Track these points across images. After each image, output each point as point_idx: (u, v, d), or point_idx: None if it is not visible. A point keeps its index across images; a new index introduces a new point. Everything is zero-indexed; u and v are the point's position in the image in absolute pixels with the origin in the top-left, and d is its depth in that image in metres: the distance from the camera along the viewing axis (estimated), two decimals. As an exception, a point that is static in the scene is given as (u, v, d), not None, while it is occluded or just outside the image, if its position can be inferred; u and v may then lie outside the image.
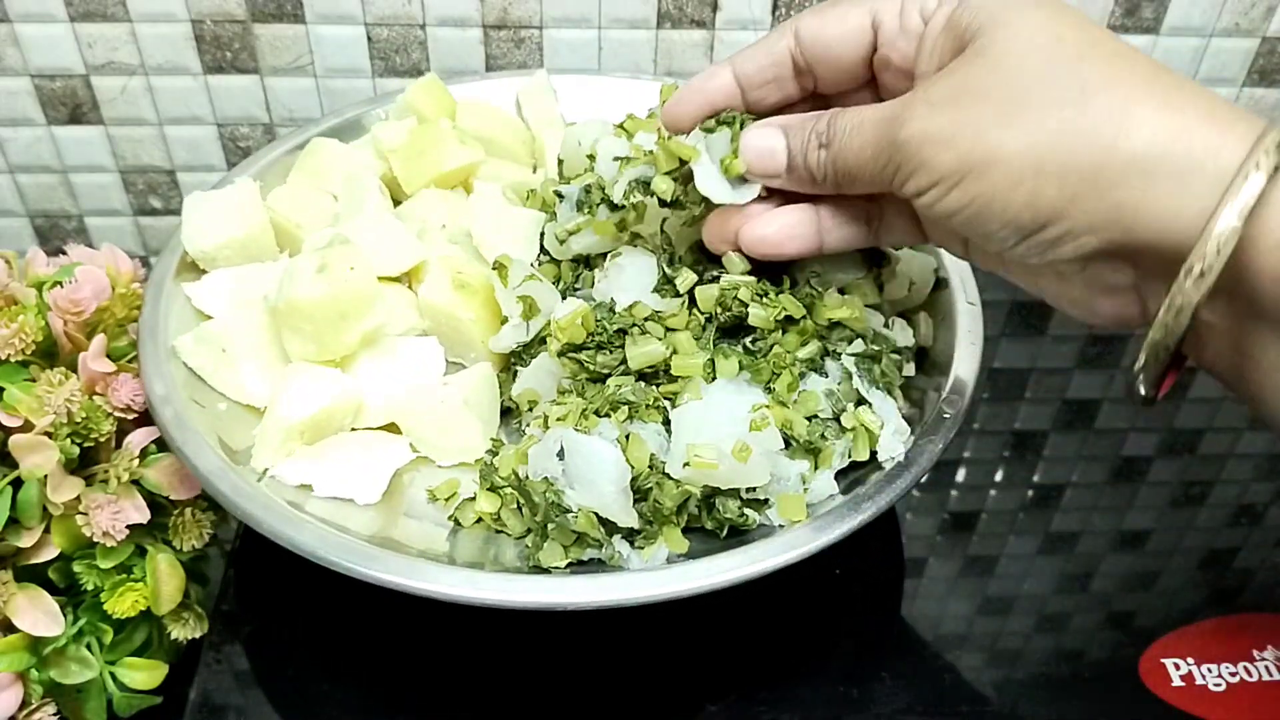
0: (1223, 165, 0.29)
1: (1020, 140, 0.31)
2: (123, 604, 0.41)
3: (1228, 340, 0.32)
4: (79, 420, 0.41)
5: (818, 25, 0.38)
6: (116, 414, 0.43)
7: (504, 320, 0.47)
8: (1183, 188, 0.29)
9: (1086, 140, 0.30)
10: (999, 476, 0.56)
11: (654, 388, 0.42)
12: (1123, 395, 0.36)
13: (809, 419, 0.41)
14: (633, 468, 0.39)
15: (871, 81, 0.40)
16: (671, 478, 0.39)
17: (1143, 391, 0.33)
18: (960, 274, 0.49)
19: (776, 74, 0.40)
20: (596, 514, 0.39)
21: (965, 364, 0.45)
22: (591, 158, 0.50)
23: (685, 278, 0.43)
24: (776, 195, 0.40)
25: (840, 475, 0.42)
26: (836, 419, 0.42)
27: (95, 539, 0.41)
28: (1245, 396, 0.33)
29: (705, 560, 0.38)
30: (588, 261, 0.48)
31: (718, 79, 0.40)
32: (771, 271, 0.42)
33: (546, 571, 0.40)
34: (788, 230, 0.39)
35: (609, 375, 0.43)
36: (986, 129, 0.31)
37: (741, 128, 0.39)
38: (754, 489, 0.40)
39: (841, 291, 0.43)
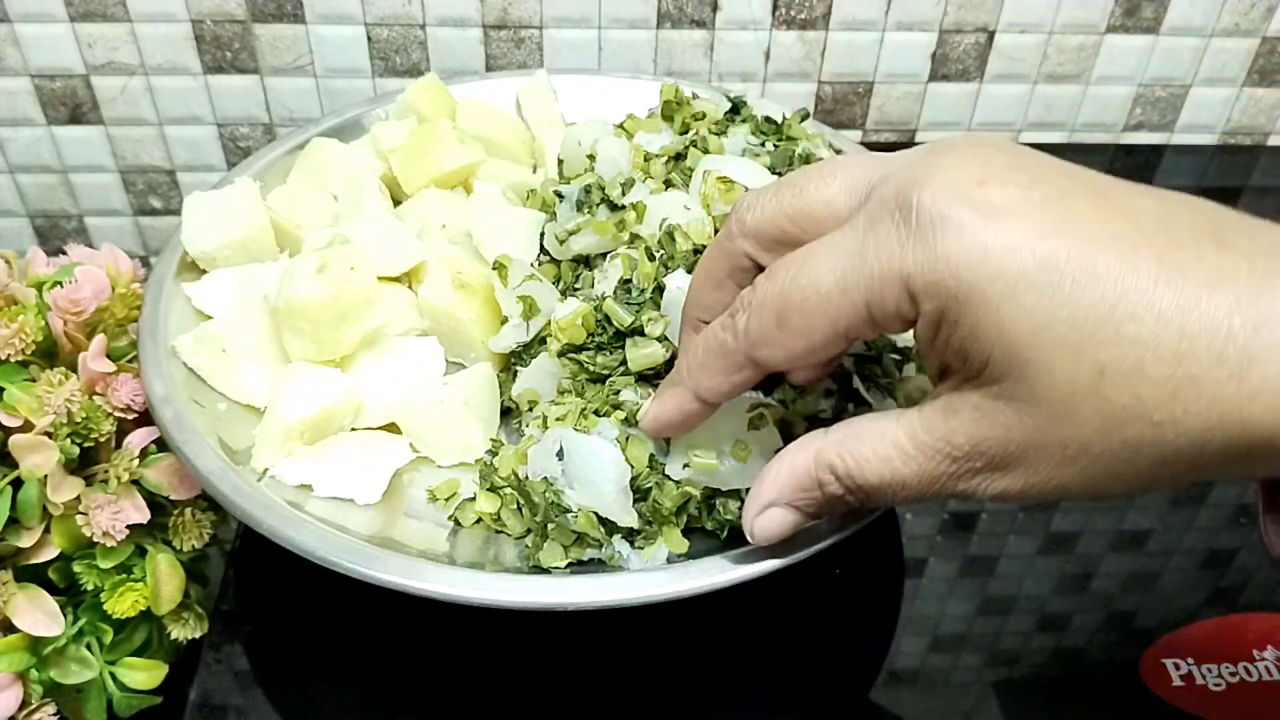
0: None
1: (1117, 484, 0.28)
2: (123, 604, 0.41)
3: None
4: (79, 420, 0.41)
5: (784, 358, 0.32)
6: (116, 414, 0.43)
7: (504, 320, 0.47)
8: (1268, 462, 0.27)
9: (1183, 463, 0.27)
10: (999, 476, 0.56)
11: (653, 389, 0.42)
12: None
13: (808, 419, 0.41)
14: (632, 468, 0.39)
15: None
16: (671, 478, 0.39)
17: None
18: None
19: (750, 386, 0.35)
20: (596, 514, 0.39)
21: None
22: (591, 158, 0.50)
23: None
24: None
25: (840, 475, 0.42)
26: (836, 419, 0.41)
27: (95, 539, 0.41)
28: None
29: (705, 560, 0.38)
30: (588, 261, 0.48)
31: (691, 412, 0.36)
32: None
33: (546, 571, 0.40)
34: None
35: (609, 376, 0.43)
36: (1073, 483, 0.29)
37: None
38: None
39: None
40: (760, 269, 0.34)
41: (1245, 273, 0.26)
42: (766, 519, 0.35)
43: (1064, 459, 0.28)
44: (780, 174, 0.46)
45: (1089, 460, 0.28)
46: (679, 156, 0.48)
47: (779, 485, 0.34)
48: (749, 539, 0.36)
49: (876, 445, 0.31)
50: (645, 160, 0.48)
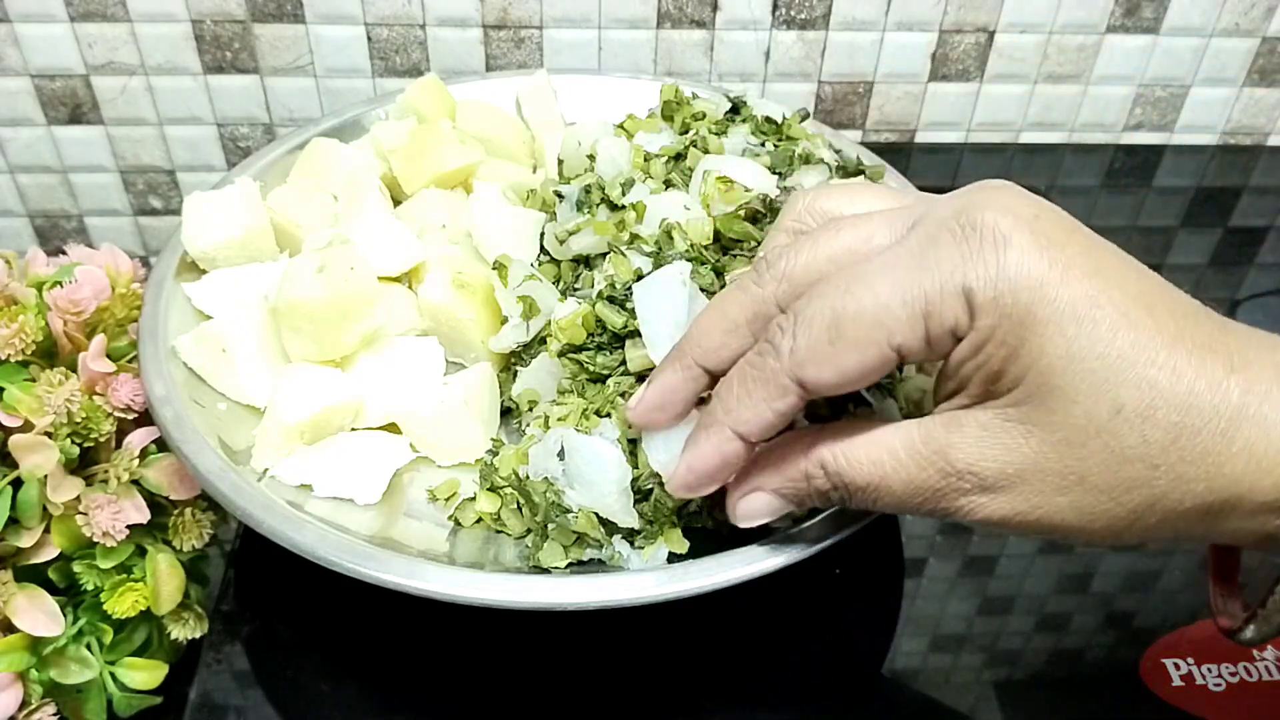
0: None
1: (1100, 520, 0.30)
2: (123, 604, 0.41)
3: None
4: (79, 420, 0.41)
5: (833, 377, 0.31)
6: (116, 414, 0.43)
7: (504, 320, 0.47)
8: (1259, 518, 0.30)
9: (1163, 509, 0.30)
10: (999, 476, 0.56)
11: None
12: (1225, 636, 0.37)
13: (809, 418, 0.41)
14: (634, 468, 0.39)
15: None
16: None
17: (1249, 636, 0.34)
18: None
19: (788, 422, 0.34)
20: (597, 514, 0.39)
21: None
22: (591, 158, 0.50)
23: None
24: None
25: (840, 475, 0.42)
26: (835, 418, 0.41)
27: (95, 539, 0.41)
28: None
29: (705, 560, 0.38)
30: (588, 261, 0.48)
31: (730, 454, 0.34)
32: None
33: (547, 572, 0.40)
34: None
35: (609, 376, 0.43)
36: (1061, 512, 0.30)
37: None
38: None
39: None
40: None
41: (1233, 342, 0.29)
42: (750, 501, 0.35)
43: (1059, 488, 0.30)
44: (780, 174, 0.46)
45: (1082, 493, 0.29)
46: (679, 157, 0.48)
47: (768, 472, 0.34)
48: (731, 517, 0.36)
49: (870, 448, 0.32)
50: (645, 160, 0.48)
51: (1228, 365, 0.29)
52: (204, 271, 0.50)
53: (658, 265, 0.42)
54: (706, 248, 0.43)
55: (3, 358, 0.41)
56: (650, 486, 0.39)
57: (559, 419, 0.42)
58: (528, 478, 0.41)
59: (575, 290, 0.47)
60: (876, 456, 0.32)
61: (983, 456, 0.30)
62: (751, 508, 0.35)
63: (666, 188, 0.47)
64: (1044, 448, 0.29)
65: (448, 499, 0.44)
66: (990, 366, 0.30)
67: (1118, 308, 0.28)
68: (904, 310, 0.29)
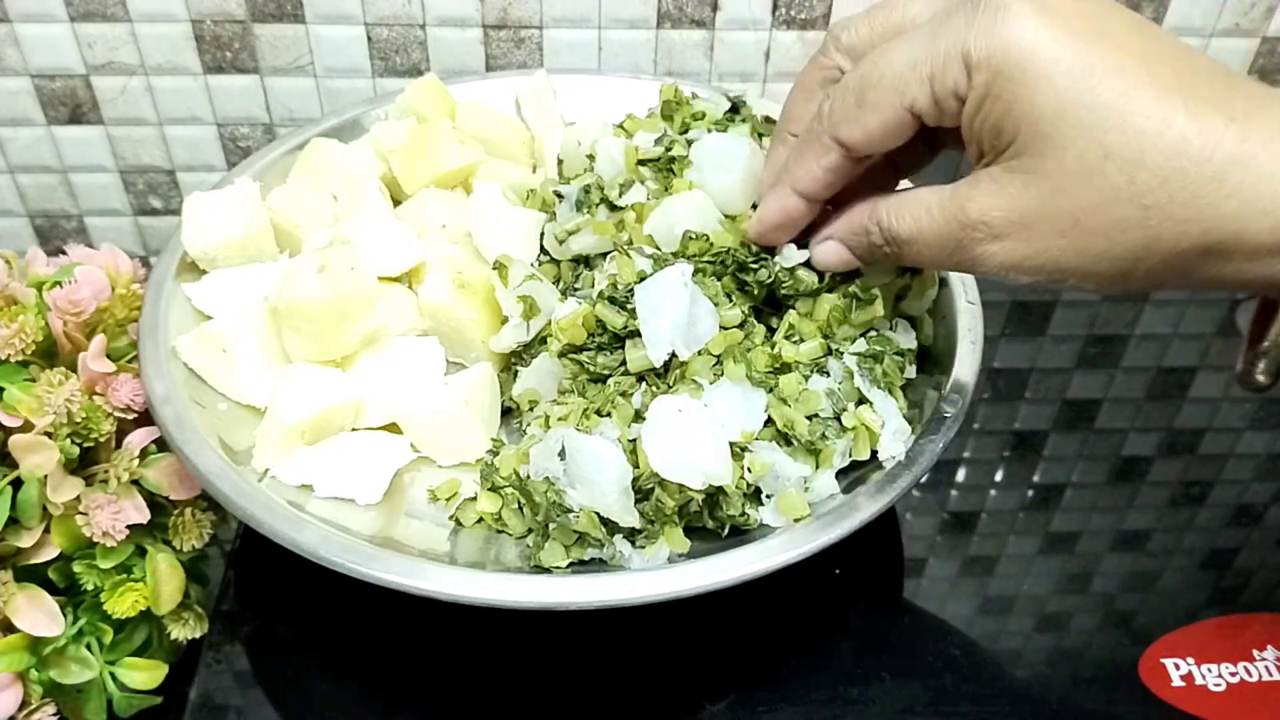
0: None
1: (1103, 263, 0.33)
2: (123, 604, 0.41)
3: None
4: (79, 420, 0.41)
5: (861, 136, 0.36)
6: (116, 414, 0.43)
7: (504, 320, 0.47)
8: (1259, 261, 0.31)
9: (1160, 251, 0.32)
10: (999, 476, 0.56)
11: (655, 389, 0.42)
12: (1238, 382, 0.39)
13: (810, 418, 0.41)
14: (634, 468, 0.39)
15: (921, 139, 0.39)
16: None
17: (1263, 381, 0.36)
18: (960, 274, 0.49)
19: (843, 178, 0.39)
20: (598, 514, 0.39)
21: (965, 364, 0.45)
22: (591, 158, 0.50)
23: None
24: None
25: (841, 474, 0.42)
26: (837, 418, 0.42)
27: (95, 539, 0.41)
28: None
29: (706, 560, 0.38)
30: (588, 261, 0.48)
31: (793, 209, 0.40)
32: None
33: (548, 571, 0.40)
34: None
35: (609, 376, 0.43)
36: (1064, 255, 0.33)
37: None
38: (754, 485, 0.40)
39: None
40: None
41: (1243, 99, 0.31)
42: (825, 248, 0.41)
43: (1058, 231, 0.33)
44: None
45: (1079, 234, 0.33)
46: (670, 159, 0.47)
47: (839, 225, 0.40)
48: (812, 260, 0.41)
49: (913, 207, 0.37)
50: (638, 165, 0.48)
51: (1228, 117, 0.30)
52: (204, 271, 0.50)
53: (659, 267, 0.42)
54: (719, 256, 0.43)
55: (3, 358, 0.41)
56: (651, 486, 0.39)
57: (559, 419, 0.42)
58: (529, 477, 0.41)
59: (575, 290, 0.47)
60: (916, 213, 0.36)
61: (992, 207, 0.34)
62: (825, 251, 0.41)
63: (666, 190, 0.47)
64: (1042, 194, 0.33)
65: (449, 499, 0.44)
66: (990, 121, 0.33)
67: (1111, 64, 0.31)
68: (913, 74, 0.34)
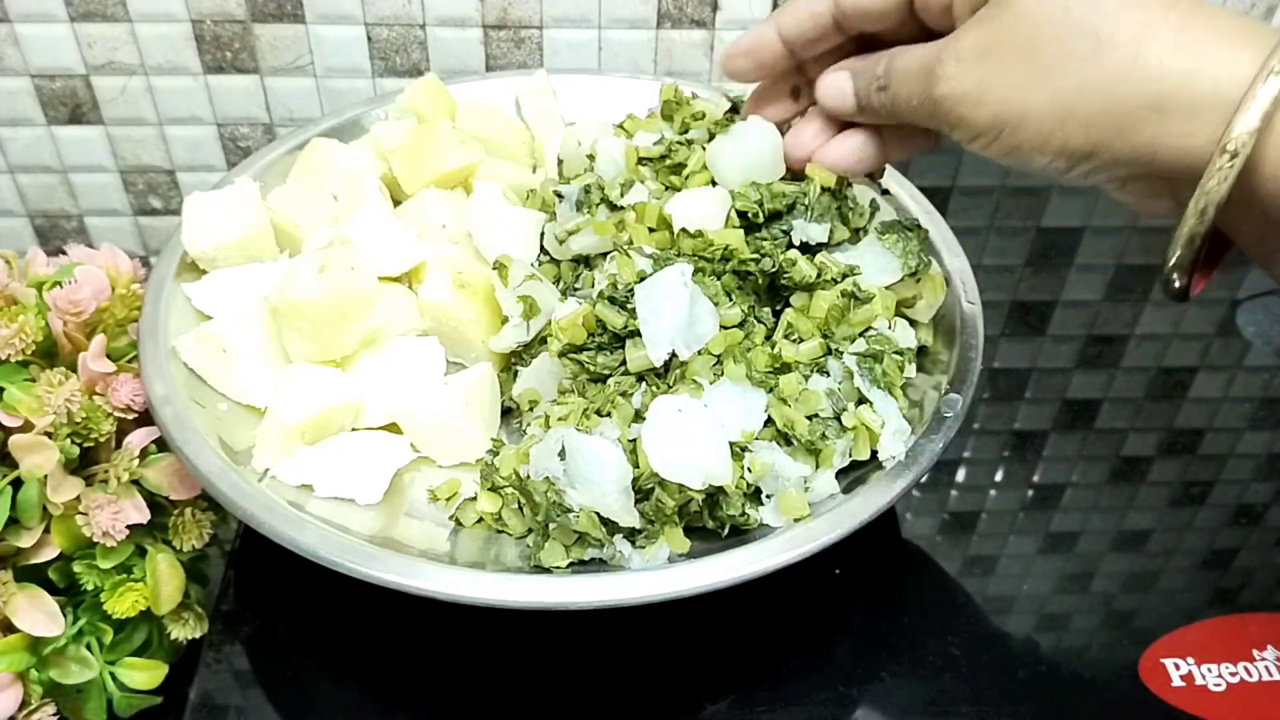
0: (1237, 81, 0.32)
1: (1045, 97, 0.34)
2: (123, 604, 0.41)
3: (1253, 237, 0.36)
4: (79, 420, 0.41)
5: None
6: (116, 414, 0.43)
7: (504, 320, 0.47)
8: (1197, 120, 0.32)
9: (1104, 92, 0.33)
10: (999, 476, 0.56)
11: (655, 390, 0.42)
12: (1161, 292, 0.39)
13: (810, 418, 0.41)
14: (635, 468, 0.39)
15: (915, 20, 0.41)
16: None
17: (1176, 283, 0.36)
18: (960, 274, 0.49)
19: (820, 33, 0.42)
20: (598, 514, 0.39)
21: (965, 364, 0.45)
22: (591, 158, 0.50)
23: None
24: None
25: (841, 474, 0.42)
26: (837, 418, 0.42)
27: (95, 539, 0.41)
28: (1276, 281, 0.38)
29: (705, 560, 0.38)
30: (588, 261, 0.48)
31: (766, 41, 0.43)
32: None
33: (548, 571, 0.40)
34: (856, 153, 0.44)
35: (609, 376, 0.43)
36: (1013, 88, 0.35)
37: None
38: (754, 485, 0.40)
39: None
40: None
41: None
42: (833, 76, 0.43)
43: (1013, 60, 0.35)
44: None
45: (1032, 65, 0.34)
46: (676, 164, 0.48)
47: (856, 60, 0.42)
48: (818, 89, 0.43)
49: (913, 53, 0.39)
50: (638, 164, 0.48)
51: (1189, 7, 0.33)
52: (204, 271, 0.50)
53: (659, 267, 0.42)
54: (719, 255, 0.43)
55: (3, 358, 0.41)
56: (651, 486, 0.39)
57: (560, 419, 0.42)
58: (529, 477, 0.41)
59: (575, 290, 0.47)
60: (912, 56, 0.39)
61: (965, 36, 0.36)
62: (831, 81, 0.43)
63: (666, 190, 0.47)
64: (1007, 20, 0.35)
65: (449, 499, 0.44)
66: None
67: None
68: None
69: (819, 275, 0.43)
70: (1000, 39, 0.35)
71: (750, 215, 0.44)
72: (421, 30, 0.66)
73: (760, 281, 0.43)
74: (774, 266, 0.43)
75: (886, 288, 0.45)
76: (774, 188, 0.45)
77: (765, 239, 0.44)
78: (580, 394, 0.43)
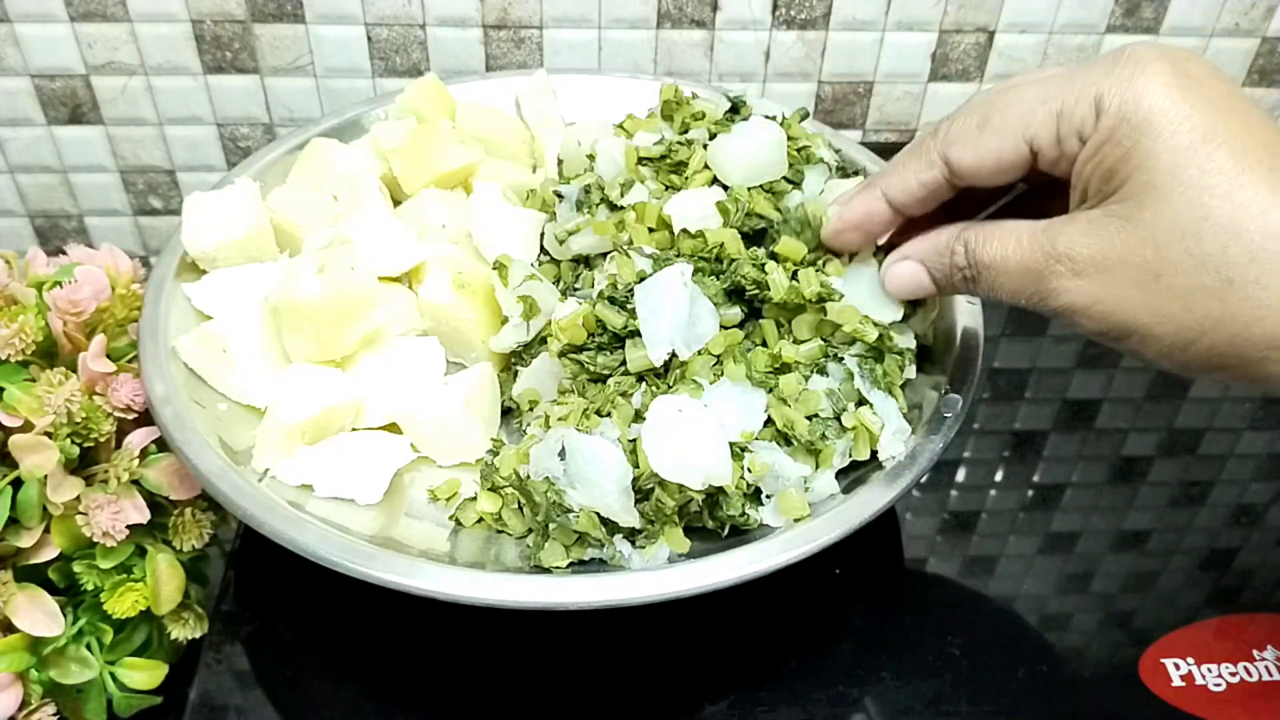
0: None
1: (1170, 327, 0.33)
2: (123, 604, 0.41)
3: None
4: (79, 420, 0.41)
5: (974, 159, 0.37)
6: (116, 414, 0.43)
7: (504, 320, 0.47)
8: None
9: (1232, 330, 0.32)
10: (999, 476, 0.56)
11: (655, 389, 0.42)
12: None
13: (809, 418, 0.41)
14: (634, 468, 0.39)
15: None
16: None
17: None
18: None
19: (932, 199, 0.39)
20: (598, 514, 0.39)
21: (965, 364, 0.45)
22: (591, 158, 0.50)
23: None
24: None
25: (841, 474, 0.42)
26: (837, 418, 0.42)
27: (95, 539, 0.41)
28: None
29: (705, 560, 0.38)
30: (588, 261, 0.48)
31: (876, 213, 0.41)
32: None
33: (548, 571, 0.40)
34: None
35: (609, 376, 0.43)
36: (1136, 310, 0.34)
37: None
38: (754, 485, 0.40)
39: None
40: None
41: None
42: (902, 268, 0.41)
43: (1136, 281, 0.33)
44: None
45: (1156, 290, 0.33)
46: (676, 164, 0.48)
47: (921, 245, 0.40)
48: (881, 284, 0.41)
49: (1002, 234, 0.37)
50: (638, 164, 0.48)
51: None
52: (204, 271, 0.50)
53: (659, 267, 0.42)
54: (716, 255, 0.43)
55: (3, 358, 0.41)
56: (651, 486, 0.39)
57: (559, 419, 0.42)
58: (529, 477, 0.41)
59: (575, 290, 0.47)
60: (1005, 240, 0.37)
61: (1082, 244, 0.34)
62: (901, 272, 0.41)
63: (666, 190, 0.47)
64: (1132, 241, 0.33)
65: (449, 499, 0.44)
66: (1105, 165, 0.34)
67: (1234, 139, 0.32)
68: (1043, 108, 0.35)
69: (796, 296, 0.42)
70: (1124, 256, 0.33)
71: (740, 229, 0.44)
72: (421, 30, 0.66)
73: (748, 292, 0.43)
74: (750, 283, 0.42)
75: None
76: (755, 205, 0.44)
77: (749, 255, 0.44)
78: (580, 394, 0.43)
